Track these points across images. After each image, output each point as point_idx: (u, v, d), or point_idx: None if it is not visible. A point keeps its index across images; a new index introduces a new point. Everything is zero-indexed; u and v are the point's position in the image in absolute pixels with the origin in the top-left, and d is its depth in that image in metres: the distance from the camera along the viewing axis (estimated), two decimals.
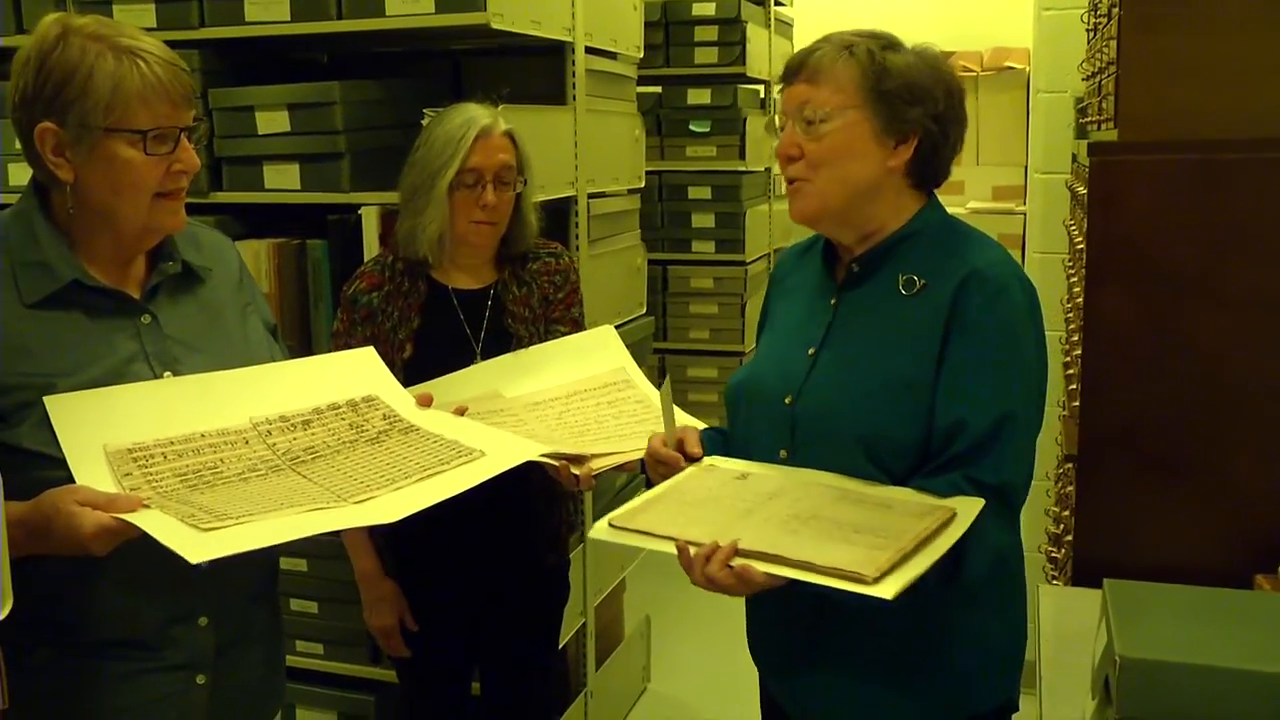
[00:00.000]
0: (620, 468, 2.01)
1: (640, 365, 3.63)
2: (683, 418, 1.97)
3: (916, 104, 1.59)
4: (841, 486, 1.55)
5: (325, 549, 2.76)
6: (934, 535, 1.41)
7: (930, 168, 1.65)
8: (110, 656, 1.58)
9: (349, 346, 2.25)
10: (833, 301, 1.68)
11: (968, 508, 1.47)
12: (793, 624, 1.68)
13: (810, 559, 1.37)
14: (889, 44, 1.63)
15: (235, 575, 1.63)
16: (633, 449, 2.00)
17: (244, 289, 1.80)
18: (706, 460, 1.72)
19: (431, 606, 2.36)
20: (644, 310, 3.60)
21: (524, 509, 2.29)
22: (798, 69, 1.64)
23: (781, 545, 1.41)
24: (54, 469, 1.46)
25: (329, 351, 2.26)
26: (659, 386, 1.88)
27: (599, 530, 1.56)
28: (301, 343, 2.71)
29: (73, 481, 1.44)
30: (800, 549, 1.39)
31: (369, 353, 1.87)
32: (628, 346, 3.45)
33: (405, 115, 2.63)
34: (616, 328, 3.33)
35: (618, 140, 3.31)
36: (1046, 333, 1.63)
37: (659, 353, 4.95)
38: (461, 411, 1.81)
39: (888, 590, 1.31)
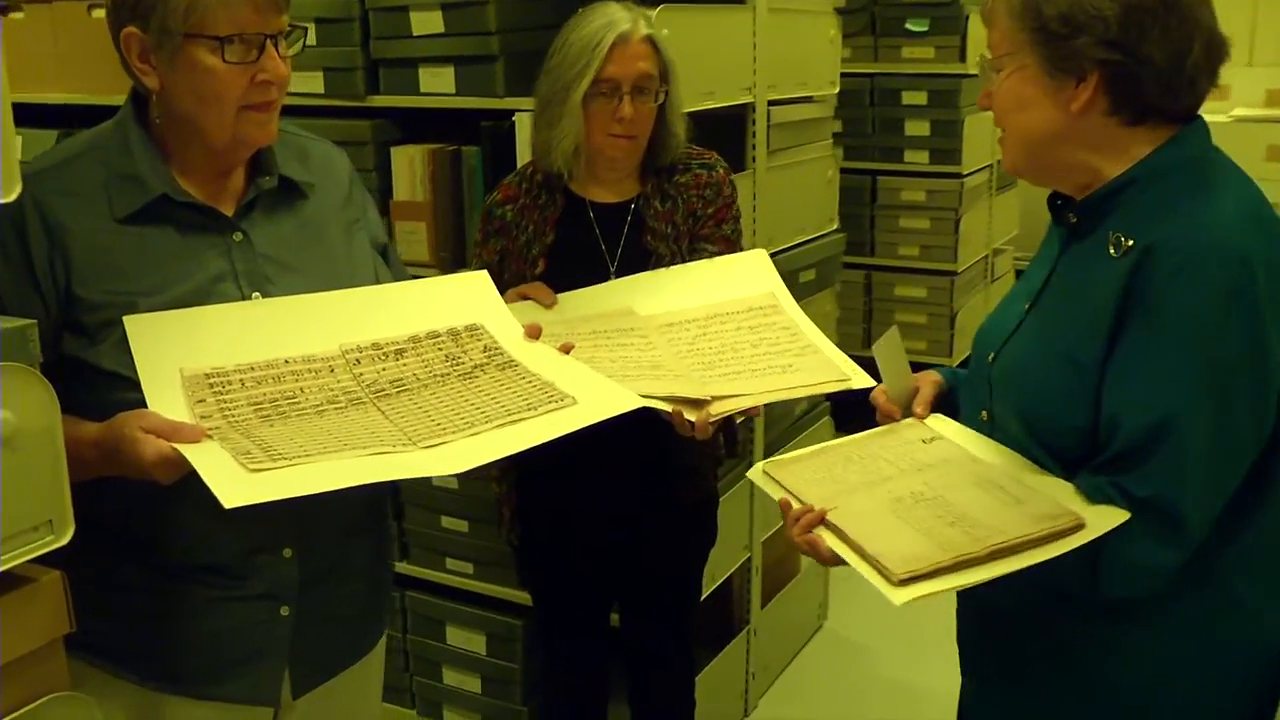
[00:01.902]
0: (744, 413, 1.88)
1: (830, 285, 3.49)
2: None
3: (1078, 34, 1.35)
4: (999, 468, 1.45)
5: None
6: (1033, 544, 1.29)
7: (1139, 100, 1.38)
8: (193, 581, 1.57)
9: (483, 259, 2.22)
10: (1058, 252, 1.51)
11: (1103, 519, 1.31)
12: (989, 632, 1.58)
13: (865, 544, 1.34)
14: None
15: (326, 509, 1.59)
16: (762, 390, 1.87)
17: (352, 204, 1.75)
18: (917, 419, 1.65)
19: (564, 535, 2.32)
20: (835, 226, 3.42)
21: (660, 439, 2.17)
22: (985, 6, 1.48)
23: (863, 524, 1.37)
24: (132, 391, 1.44)
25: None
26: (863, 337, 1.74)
27: (754, 472, 1.61)
28: (455, 255, 2.67)
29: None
30: (874, 532, 1.35)
31: (481, 277, 1.80)
32: (816, 263, 3.31)
33: (563, 15, 2.48)
34: (803, 244, 3.20)
35: (808, 41, 3.11)
36: None
37: (864, 268, 4.76)
38: (568, 349, 1.72)
39: (900, 597, 1.27)
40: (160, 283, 1.52)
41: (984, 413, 1.54)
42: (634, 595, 2.40)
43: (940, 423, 1.61)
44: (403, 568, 2.95)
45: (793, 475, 1.54)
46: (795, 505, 1.47)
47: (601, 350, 1.95)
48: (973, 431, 1.55)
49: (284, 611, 1.61)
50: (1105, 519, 1.31)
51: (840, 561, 1.39)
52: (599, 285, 2.12)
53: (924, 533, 1.34)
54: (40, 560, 1.28)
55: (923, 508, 1.40)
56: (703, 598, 2.75)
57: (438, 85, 2.58)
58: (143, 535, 1.56)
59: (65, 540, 1.29)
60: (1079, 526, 1.31)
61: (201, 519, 1.54)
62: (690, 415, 1.79)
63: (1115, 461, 1.35)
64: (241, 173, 1.63)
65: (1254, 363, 1.31)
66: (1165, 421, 1.30)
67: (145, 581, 1.57)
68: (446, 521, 2.87)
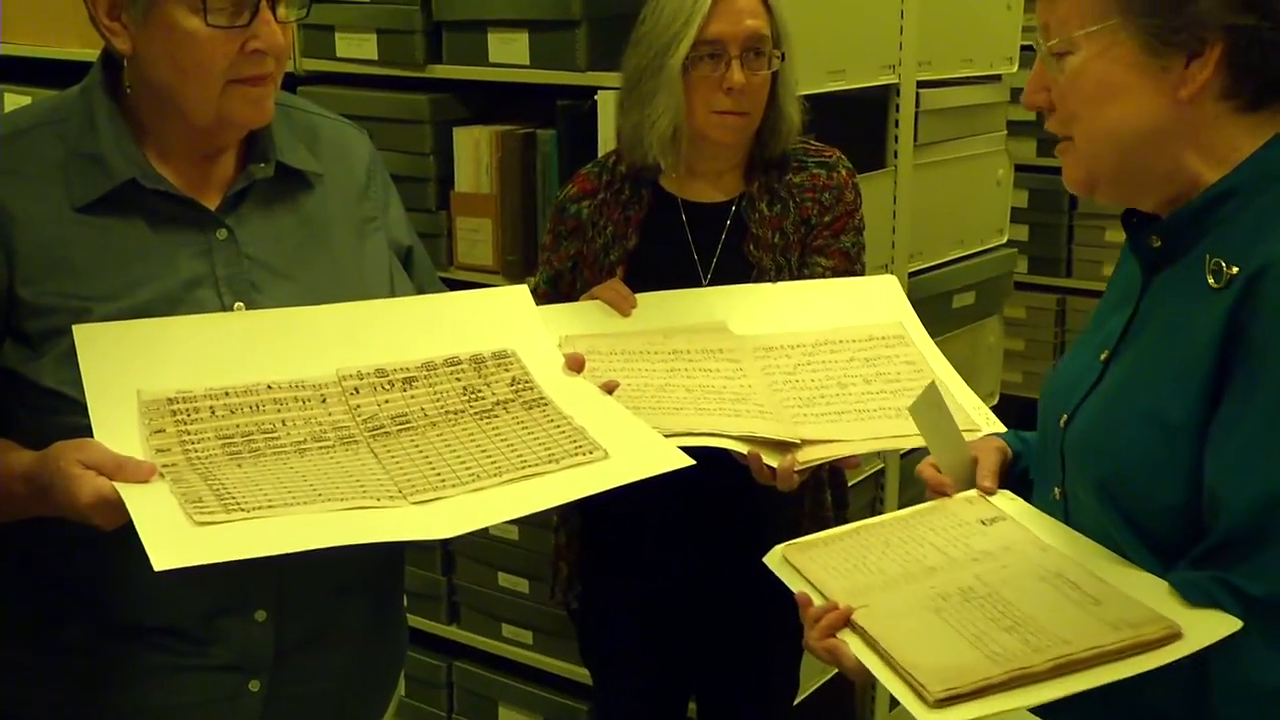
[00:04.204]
0: (842, 462, 1.83)
1: (995, 312, 3.40)
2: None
3: None
4: (1074, 560, 1.40)
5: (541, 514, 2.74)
6: (1108, 658, 1.25)
7: (1265, 77, 1.30)
8: (147, 645, 1.57)
9: (553, 266, 2.23)
10: (1140, 287, 1.44)
11: (1208, 627, 1.24)
12: None
13: (896, 652, 1.30)
14: None
15: (314, 561, 1.58)
16: (863, 437, 1.83)
17: (370, 199, 1.74)
18: (978, 494, 1.59)
19: (633, 600, 2.29)
20: (1005, 238, 3.33)
21: (754, 491, 2.10)
22: None
23: (897, 627, 1.34)
24: (78, 415, 1.45)
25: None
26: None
27: (772, 557, 1.56)
28: (525, 259, 2.67)
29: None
30: (908, 638, 1.32)
31: (519, 292, 1.80)
32: (976, 284, 3.23)
33: None
34: (961, 260, 3.13)
35: (977, 8, 3.05)
36: None
37: (1057, 291, 4.68)
38: (611, 389, 1.70)
39: None
40: (122, 286, 1.53)
41: (1056, 490, 1.48)
42: (714, 682, 2.36)
43: (1006, 501, 1.56)
44: (451, 632, 2.98)
45: (817, 563, 1.50)
46: (817, 601, 1.42)
47: (678, 376, 1.95)
48: (1043, 514, 1.50)
49: (253, 686, 1.60)
50: (1210, 627, 1.24)
51: (870, 675, 1.33)
52: (691, 290, 2.12)
53: (972, 640, 1.30)
54: None
55: (973, 608, 1.36)
56: (808, 693, 2.70)
57: (509, 55, 2.59)
58: (86, 587, 1.56)
59: None
60: (1173, 636, 1.25)
61: (154, 572, 1.55)
62: (771, 460, 1.75)
63: (1220, 551, 1.27)
64: (232, 157, 1.63)
65: None
66: (1275, 501, 1.22)
67: (86, 642, 1.57)
68: (504, 579, 2.88)
